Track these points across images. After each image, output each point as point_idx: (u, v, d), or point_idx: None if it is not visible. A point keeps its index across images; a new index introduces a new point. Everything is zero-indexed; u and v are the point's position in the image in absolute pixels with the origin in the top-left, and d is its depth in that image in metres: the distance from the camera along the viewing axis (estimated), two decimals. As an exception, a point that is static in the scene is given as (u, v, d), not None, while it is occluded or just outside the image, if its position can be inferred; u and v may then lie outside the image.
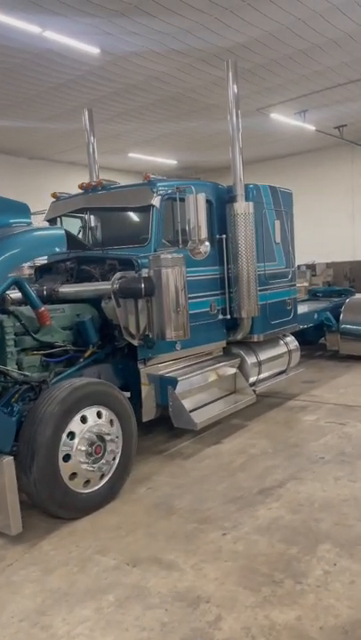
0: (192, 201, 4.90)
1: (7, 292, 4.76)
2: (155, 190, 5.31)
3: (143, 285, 4.84)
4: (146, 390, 5.24)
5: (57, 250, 3.91)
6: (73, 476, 4.00)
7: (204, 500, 4.26)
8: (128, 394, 4.82)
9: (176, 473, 4.89)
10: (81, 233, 5.76)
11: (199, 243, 4.99)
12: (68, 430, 3.99)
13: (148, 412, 5.27)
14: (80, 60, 10.17)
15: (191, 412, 5.33)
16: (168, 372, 5.40)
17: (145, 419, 5.22)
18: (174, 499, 4.33)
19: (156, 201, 5.28)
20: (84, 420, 4.12)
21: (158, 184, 5.33)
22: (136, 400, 5.22)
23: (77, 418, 4.07)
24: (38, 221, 6.36)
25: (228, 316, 6.05)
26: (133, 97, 12.37)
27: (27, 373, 4.48)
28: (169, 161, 18.71)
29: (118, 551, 3.58)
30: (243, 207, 5.93)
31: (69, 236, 4.31)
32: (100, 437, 4.21)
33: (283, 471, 4.73)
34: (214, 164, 19.01)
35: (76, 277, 5.59)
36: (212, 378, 5.89)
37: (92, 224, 5.77)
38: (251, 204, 6.02)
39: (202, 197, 4.93)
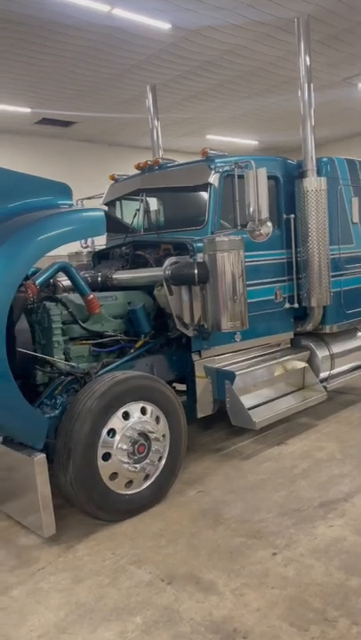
0: (251, 177, 4.39)
1: (58, 279, 4.58)
2: (213, 167, 4.86)
3: (196, 271, 4.43)
4: (201, 384, 4.86)
5: (96, 233, 3.61)
6: (113, 476, 3.73)
7: (257, 510, 3.83)
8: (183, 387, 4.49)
9: (231, 475, 4.48)
10: (136, 216, 5.45)
11: (259, 223, 4.48)
12: (108, 427, 3.71)
13: (204, 408, 4.89)
14: (151, 38, 9.80)
15: (250, 409, 4.87)
16: (226, 365, 4.98)
17: (200, 414, 4.85)
18: (224, 506, 3.94)
19: (214, 179, 4.83)
20: (126, 416, 3.83)
21: (217, 160, 4.87)
22: (192, 394, 4.89)
23: (119, 414, 3.78)
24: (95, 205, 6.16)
25: (296, 305, 5.50)
26: (208, 74, 11.84)
27: (73, 364, 4.26)
28: (249, 141, 17.96)
29: (155, 563, 3.27)
30: (314, 183, 5.32)
31: (111, 219, 3.99)
32: (144, 435, 3.90)
33: (351, 481, 4.18)
34: (298, 144, 18.00)
35: (132, 263, 5.30)
36: (276, 372, 5.39)
37: (148, 206, 5.43)
38: (323, 179, 5.39)
39: (263, 173, 4.41)
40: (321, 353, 5.76)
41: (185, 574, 3.13)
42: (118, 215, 5.93)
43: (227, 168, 4.81)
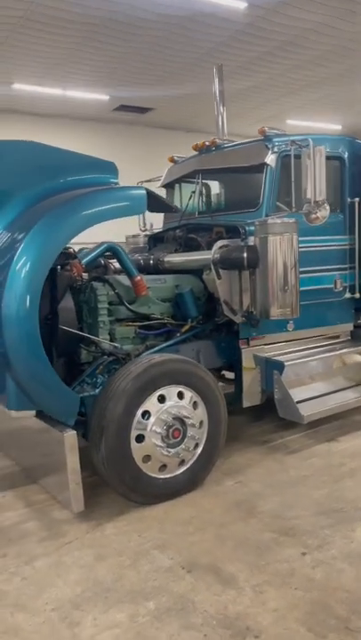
0: (308, 156, 4.14)
1: (110, 261, 4.60)
2: (270, 147, 4.64)
3: (246, 255, 4.27)
4: (248, 373, 4.70)
5: (136, 211, 3.55)
6: (147, 458, 3.69)
7: (294, 507, 3.64)
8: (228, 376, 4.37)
9: (273, 469, 4.31)
10: (192, 198, 5.33)
11: (315, 206, 4.23)
12: (142, 409, 3.67)
13: (251, 398, 4.73)
14: (227, 19, 9.58)
15: (300, 402, 4.66)
16: (276, 355, 4.78)
17: (246, 404, 4.70)
18: (260, 499, 3.79)
19: (270, 159, 4.61)
20: (161, 399, 3.77)
21: (275, 139, 4.65)
22: (239, 383, 4.75)
23: (154, 397, 3.73)
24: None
25: (358, 295, 5.17)
26: (286, 55, 11.42)
27: (116, 345, 4.25)
28: (332, 126, 17.17)
29: (178, 550, 3.19)
30: (383, 164, 4.96)
31: (155, 199, 3.90)
32: (180, 420, 3.83)
33: None
34: (385, 127, 17.02)
35: (185, 246, 5.21)
36: (332, 365, 5.12)
37: (204, 188, 5.30)
38: (394, 160, 5.01)
39: (321, 152, 4.14)
40: (384, 347, 5.38)
41: (207, 564, 3.03)
42: (177, 198, 5.86)
43: (285, 147, 4.57)
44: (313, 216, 4.30)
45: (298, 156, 4.29)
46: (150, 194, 3.80)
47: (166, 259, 5.09)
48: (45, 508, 3.81)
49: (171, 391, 3.82)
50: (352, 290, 5.15)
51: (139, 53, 11.05)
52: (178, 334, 4.62)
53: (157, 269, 5.12)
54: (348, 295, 5.15)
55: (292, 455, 4.58)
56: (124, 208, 3.59)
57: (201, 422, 3.96)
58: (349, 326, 5.34)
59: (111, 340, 4.32)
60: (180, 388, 3.87)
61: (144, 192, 3.61)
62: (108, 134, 15.66)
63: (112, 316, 4.38)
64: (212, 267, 4.41)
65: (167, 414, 3.75)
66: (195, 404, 3.94)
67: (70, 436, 3.37)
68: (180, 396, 3.87)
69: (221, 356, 4.80)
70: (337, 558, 3.02)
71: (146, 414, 3.70)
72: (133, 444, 3.63)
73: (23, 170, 3.62)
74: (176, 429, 3.79)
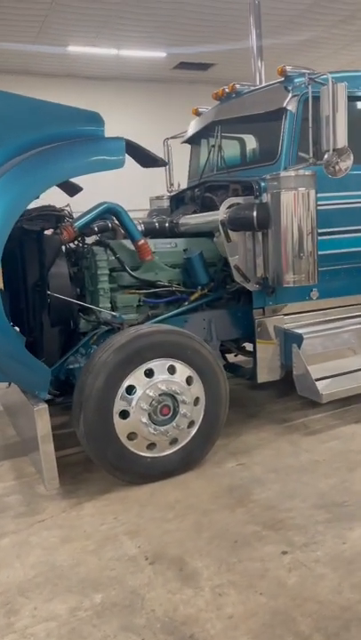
0: (327, 95, 3.55)
1: (117, 225, 4.30)
2: (290, 89, 4.06)
3: (256, 214, 3.81)
4: (264, 346, 4.27)
5: (111, 166, 3.20)
6: (132, 435, 3.44)
7: (292, 497, 3.25)
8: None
9: (283, 451, 3.91)
10: (212, 153, 4.86)
11: (335, 155, 3.65)
12: (126, 383, 3.40)
13: (267, 372, 4.30)
14: None
15: (322, 380, 4.17)
16: (297, 327, 4.29)
17: (261, 379, 4.29)
18: (258, 485, 3.43)
19: (289, 103, 4.04)
20: (149, 373, 3.47)
21: (296, 80, 4.06)
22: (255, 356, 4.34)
23: (140, 370, 3.44)
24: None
25: None
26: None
27: (114, 314, 3.99)
28: None
29: (149, 537, 2.94)
30: None
31: (136, 151, 3.51)
32: (171, 397, 3.52)
33: None
34: None
35: (202, 206, 4.79)
36: (363, 339, 4.55)
37: (223, 141, 4.79)
38: None
39: (342, 89, 3.53)
40: None
41: (173, 556, 2.75)
42: (203, 154, 5.40)
43: (307, 89, 3.97)
44: (334, 167, 3.73)
45: (318, 97, 3.71)
46: (133, 146, 3.42)
47: (181, 221, 4.72)
48: (33, 482, 3.69)
49: (160, 365, 3.50)
50: (390, 253, 4.50)
51: (191, 3, 10.40)
52: (186, 303, 4.28)
53: (173, 232, 4.77)
54: (384, 259, 4.51)
55: (309, 437, 4.14)
56: (100, 162, 3.25)
57: (197, 399, 3.63)
58: (386, 295, 4.70)
59: (113, 309, 4.07)
60: (172, 362, 3.55)
61: (122, 144, 3.24)
62: (169, 94, 15.10)
63: (115, 283, 4.11)
64: (221, 228, 3.99)
65: (155, 390, 3.45)
66: (189, 380, 3.60)
67: (41, 411, 3.17)
68: (172, 370, 3.55)
69: (237, 326, 4.40)
70: (320, 562, 2.63)
71: (131, 389, 3.43)
72: (117, 419, 3.38)
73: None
74: (165, 406, 3.49)
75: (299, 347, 4.13)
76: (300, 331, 4.23)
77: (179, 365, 3.56)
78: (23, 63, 13.01)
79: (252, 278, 4.10)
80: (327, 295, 4.40)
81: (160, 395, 3.46)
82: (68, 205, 4.03)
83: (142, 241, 4.08)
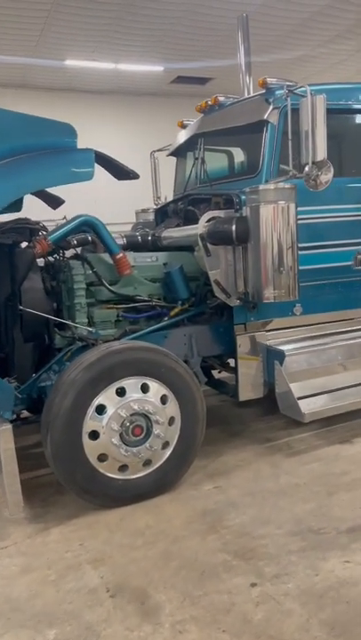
0: (306, 107, 3.46)
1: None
2: (271, 101, 3.98)
3: (235, 227, 3.71)
4: (245, 362, 4.14)
5: (80, 177, 3.11)
6: (103, 457, 3.31)
7: (267, 523, 3.11)
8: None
9: (263, 473, 3.77)
10: (195, 166, 4.78)
11: (315, 168, 3.55)
12: (96, 403, 3.27)
13: (248, 390, 4.16)
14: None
15: (304, 398, 4.04)
16: (279, 343, 4.17)
17: (242, 397, 4.16)
18: (233, 510, 3.28)
19: (271, 115, 3.96)
20: (121, 392, 3.35)
21: (278, 92, 3.97)
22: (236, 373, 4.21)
23: (111, 389, 3.32)
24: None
25: (384, 274, 4.39)
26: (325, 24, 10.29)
27: (90, 329, 3.88)
28: None
29: (114, 567, 2.80)
30: None
31: (109, 163, 3.43)
32: (144, 416, 3.39)
33: None
34: None
35: (185, 220, 4.70)
36: (352, 356, 4.41)
37: (206, 154, 4.70)
38: None
39: (321, 101, 3.44)
40: None
41: (136, 588, 2.61)
42: (189, 167, 5.31)
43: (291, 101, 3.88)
44: (313, 180, 3.62)
45: (297, 109, 3.62)
46: (104, 158, 3.33)
47: (163, 234, 4.63)
48: (2, 505, 3.55)
49: (133, 383, 3.38)
50: (377, 268, 4.38)
51: (186, 18, 10.42)
52: (166, 318, 4.17)
53: (156, 246, 4.68)
54: (371, 274, 4.39)
55: (291, 458, 4.00)
56: (68, 174, 3.16)
57: (172, 419, 3.50)
58: (374, 310, 4.57)
59: (91, 324, 3.97)
60: (145, 380, 3.43)
61: (92, 155, 3.15)
62: (169, 108, 15.10)
63: (92, 297, 4.01)
64: (200, 242, 3.89)
65: (127, 409, 3.33)
66: (163, 399, 3.48)
67: (4, 431, 3.05)
68: (145, 388, 3.42)
69: (219, 342, 4.28)
70: (289, 595, 2.48)
71: (102, 409, 3.30)
72: (86, 440, 3.25)
73: None
74: (137, 426, 3.36)
75: (281, 364, 4.01)
76: (282, 347, 4.11)
77: (153, 384, 3.44)
78: (21, 77, 13.06)
79: (233, 293, 3.99)
80: (311, 311, 4.28)
81: (132, 414, 3.34)
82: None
83: (121, 254, 3.99)
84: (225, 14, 10.22)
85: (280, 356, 4.02)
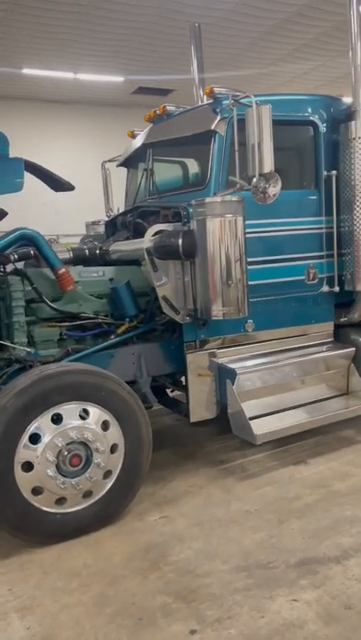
0: (251, 117, 3.33)
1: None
2: (218, 111, 3.84)
3: (181, 242, 3.54)
4: (196, 381, 3.95)
5: (10, 189, 2.90)
6: (38, 490, 3.06)
7: (212, 558, 2.91)
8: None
9: (213, 500, 3.57)
10: (143, 177, 4.61)
11: (262, 180, 3.41)
12: (29, 431, 3.03)
13: (200, 410, 3.98)
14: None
15: (256, 418, 3.88)
16: (231, 361, 4.00)
17: (194, 418, 3.97)
18: (178, 544, 3.07)
19: (219, 125, 3.82)
20: (57, 419, 3.11)
21: (225, 102, 3.83)
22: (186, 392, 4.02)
23: (47, 416, 3.08)
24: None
25: (337, 289, 4.27)
26: (301, 28, 10.37)
27: (28, 350, 3.63)
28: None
29: (43, 615, 2.55)
30: (366, 128, 4.04)
31: (43, 174, 3.22)
32: (84, 444, 3.16)
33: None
34: None
35: (134, 233, 4.51)
36: (307, 372, 4.28)
37: (155, 165, 4.53)
38: (380, 122, 4.07)
39: (266, 111, 3.32)
40: (373, 350, 4.48)
41: (65, 640, 2.37)
42: (139, 178, 5.14)
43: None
44: (261, 193, 3.48)
45: (243, 120, 3.48)
46: (37, 168, 3.12)
47: (111, 248, 4.43)
48: None
49: (70, 409, 3.15)
50: (330, 282, 4.27)
51: (143, 28, 10.33)
52: (112, 336, 3.95)
53: (104, 260, 4.47)
54: (325, 289, 4.27)
55: (244, 481, 3.82)
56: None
57: (114, 446, 3.28)
58: (329, 325, 4.44)
59: (31, 344, 3.72)
60: (85, 406, 3.20)
61: (21, 165, 2.94)
62: (130, 119, 14.93)
63: (33, 315, 3.77)
64: (146, 256, 3.71)
65: (64, 437, 3.09)
66: (105, 425, 3.25)
67: None
68: (85, 414, 3.19)
69: (169, 361, 4.08)
70: (232, 643, 2.28)
71: (36, 438, 3.06)
72: (19, 472, 3.00)
73: None
74: (75, 456, 3.12)
75: (233, 382, 3.84)
76: (233, 365, 3.94)
77: (93, 409, 3.22)
78: (-23, 85, 12.74)
79: (182, 310, 3.81)
80: (264, 327, 4.13)
81: (69, 443, 3.10)
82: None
83: (63, 269, 3.77)
84: (183, 26, 10.16)
85: (231, 374, 3.86)
